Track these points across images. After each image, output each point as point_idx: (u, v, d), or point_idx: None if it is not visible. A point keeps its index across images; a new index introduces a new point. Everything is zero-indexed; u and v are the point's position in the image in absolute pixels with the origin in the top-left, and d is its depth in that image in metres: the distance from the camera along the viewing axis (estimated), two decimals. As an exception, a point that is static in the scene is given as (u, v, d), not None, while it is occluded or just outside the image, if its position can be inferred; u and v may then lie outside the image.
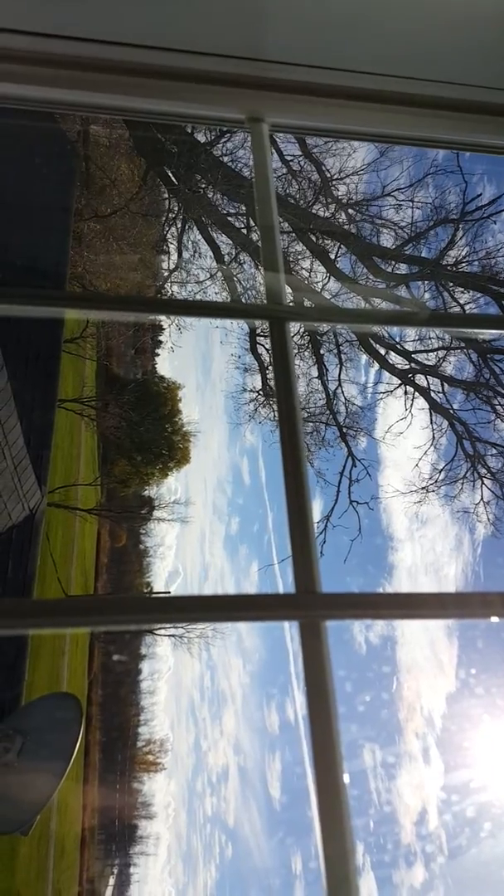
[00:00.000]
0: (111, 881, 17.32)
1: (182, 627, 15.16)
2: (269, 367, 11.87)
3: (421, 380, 10.76)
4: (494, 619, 1.35)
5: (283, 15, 1.60)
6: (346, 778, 1.12)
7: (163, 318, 13.94)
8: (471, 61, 1.75)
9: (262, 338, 11.30)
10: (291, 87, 1.75)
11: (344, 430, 11.31)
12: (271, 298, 1.62)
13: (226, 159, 10.37)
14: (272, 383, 11.05)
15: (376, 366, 11.32)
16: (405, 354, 10.77)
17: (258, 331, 10.98)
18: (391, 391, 10.95)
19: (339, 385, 11.24)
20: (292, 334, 1.58)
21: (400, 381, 10.77)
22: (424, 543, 13.94)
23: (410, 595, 1.33)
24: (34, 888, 12.79)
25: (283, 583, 13.23)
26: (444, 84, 1.78)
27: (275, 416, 11.57)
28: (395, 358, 10.85)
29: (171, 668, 19.11)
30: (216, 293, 11.47)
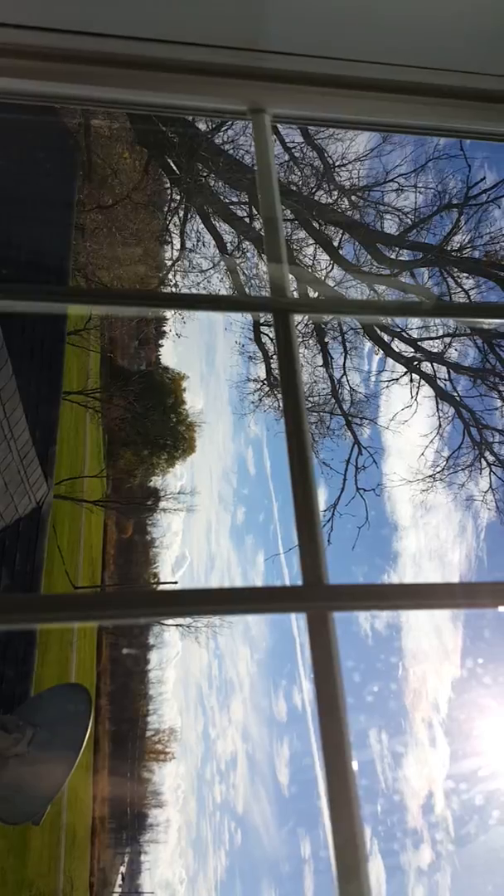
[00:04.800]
0: (122, 868, 17.46)
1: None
2: (274, 357, 11.84)
3: (426, 367, 10.72)
4: (503, 608, 1.35)
5: (282, 5, 1.59)
6: (354, 765, 1.12)
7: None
8: (471, 49, 1.74)
9: (266, 327, 11.26)
10: (292, 77, 1.74)
11: (349, 418, 11.28)
12: (275, 291, 1.62)
13: (227, 147, 10.32)
14: (276, 372, 11.01)
15: (381, 353, 11.28)
16: (410, 342, 10.72)
17: (262, 320, 10.94)
18: (397, 379, 10.92)
19: (344, 373, 11.20)
20: (296, 324, 1.58)
21: (406, 369, 10.72)
22: (429, 531, 13.97)
23: (419, 585, 1.33)
24: (46, 877, 12.89)
25: (290, 572, 13.27)
26: (444, 72, 1.77)
27: (280, 405, 11.58)
28: (400, 345, 10.80)
29: (178, 653, 19.19)
30: (220, 280, 11.44)
